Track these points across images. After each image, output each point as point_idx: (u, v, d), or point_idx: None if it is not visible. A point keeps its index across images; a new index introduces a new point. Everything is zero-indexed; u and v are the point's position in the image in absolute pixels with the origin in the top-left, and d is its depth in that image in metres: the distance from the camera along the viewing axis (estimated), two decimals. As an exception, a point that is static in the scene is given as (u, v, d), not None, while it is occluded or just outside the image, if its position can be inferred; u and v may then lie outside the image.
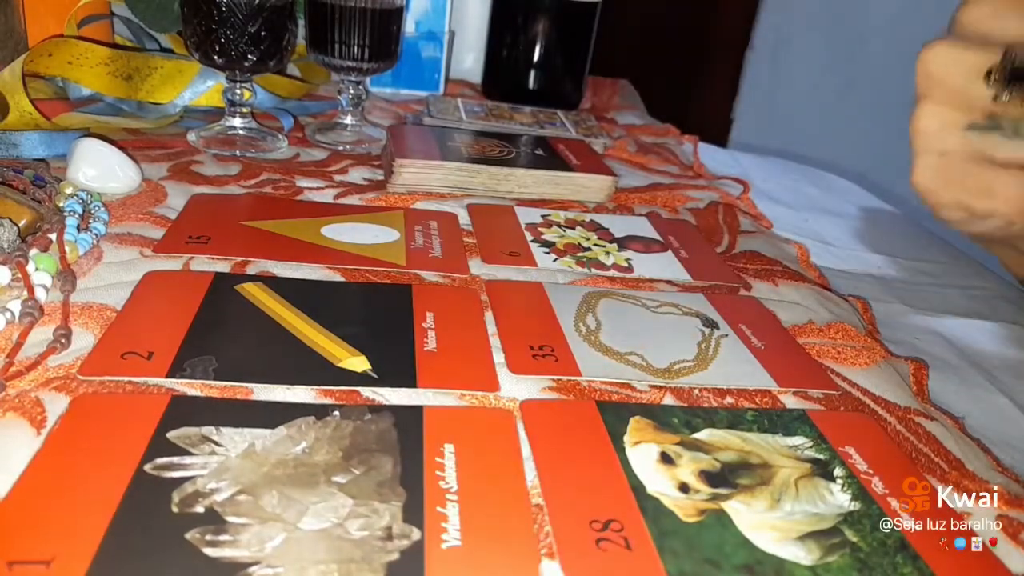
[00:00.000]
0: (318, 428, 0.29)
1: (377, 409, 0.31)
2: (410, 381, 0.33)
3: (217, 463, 0.27)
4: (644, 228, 0.54)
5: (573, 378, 0.35)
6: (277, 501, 0.26)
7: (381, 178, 0.57)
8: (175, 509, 0.25)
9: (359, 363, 0.34)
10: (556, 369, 0.35)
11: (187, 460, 0.27)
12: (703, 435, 0.32)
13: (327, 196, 0.52)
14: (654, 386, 0.35)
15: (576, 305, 0.41)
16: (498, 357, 0.36)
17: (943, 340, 0.46)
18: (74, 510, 0.24)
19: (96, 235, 0.41)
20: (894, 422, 0.35)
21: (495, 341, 0.37)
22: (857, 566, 0.27)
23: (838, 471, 0.31)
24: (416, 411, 0.31)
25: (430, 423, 0.31)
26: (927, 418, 0.36)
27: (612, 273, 0.46)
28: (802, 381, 0.37)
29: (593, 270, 0.46)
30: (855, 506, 0.29)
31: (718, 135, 1.68)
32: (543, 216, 0.53)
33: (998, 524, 0.29)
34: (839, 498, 0.30)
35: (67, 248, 0.38)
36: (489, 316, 0.39)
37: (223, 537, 0.24)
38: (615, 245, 0.50)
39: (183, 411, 0.29)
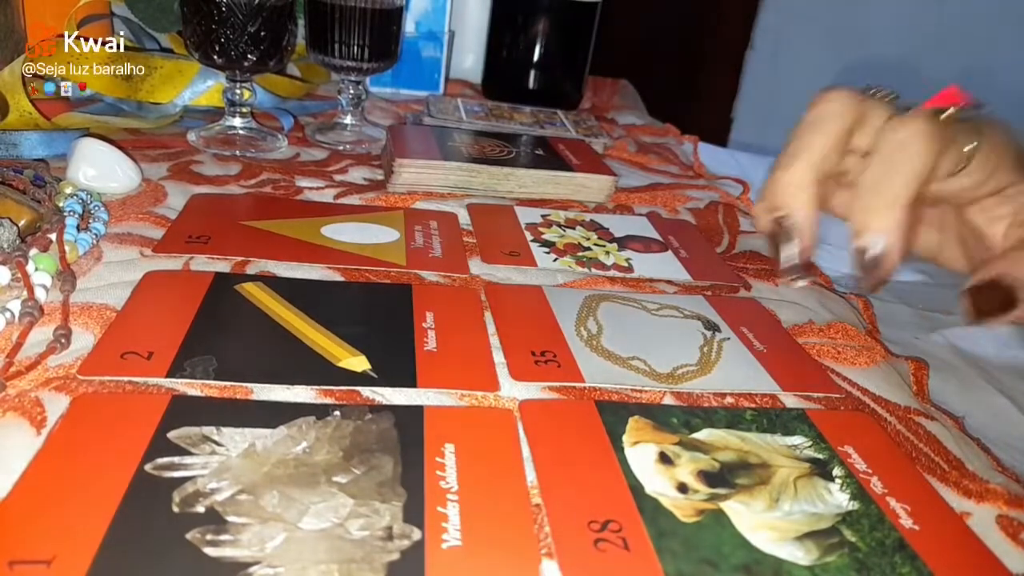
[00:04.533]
0: (318, 428, 0.29)
1: (377, 409, 0.31)
2: (410, 381, 0.33)
3: (218, 463, 0.27)
4: (644, 228, 0.54)
5: (576, 384, 0.35)
6: (278, 501, 0.26)
7: (381, 178, 0.57)
8: (176, 509, 0.25)
9: (359, 363, 0.34)
10: (559, 375, 0.35)
11: (187, 460, 0.27)
12: (702, 435, 0.32)
13: (327, 196, 0.52)
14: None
15: (576, 309, 0.41)
16: (498, 357, 0.36)
17: (943, 340, 0.46)
18: (74, 510, 0.24)
19: (96, 235, 0.41)
20: (894, 422, 0.35)
21: (495, 342, 0.37)
22: (855, 566, 0.27)
23: (837, 471, 0.31)
24: (416, 411, 0.31)
25: (430, 423, 0.31)
26: (927, 418, 0.36)
27: (612, 273, 0.46)
28: (805, 385, 0.37)
29: (593, 270, 0.46)
30: (854, 506, 0.29)
31: (718, 135, 1.68)
32: (543, 216, 0.53)
33: (998, 524, 0.29)
34: (838, 498, 0.30)
35: (67, 248, 0.38)
36: (489, 316, 0.39)
37: (224, 537, 0.24)
38: (615, 245, 0.50)
39: (183, 411, 0.29)
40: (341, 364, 0.34)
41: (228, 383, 0.31)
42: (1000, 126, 0.34)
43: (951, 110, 0.33)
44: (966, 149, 0.33)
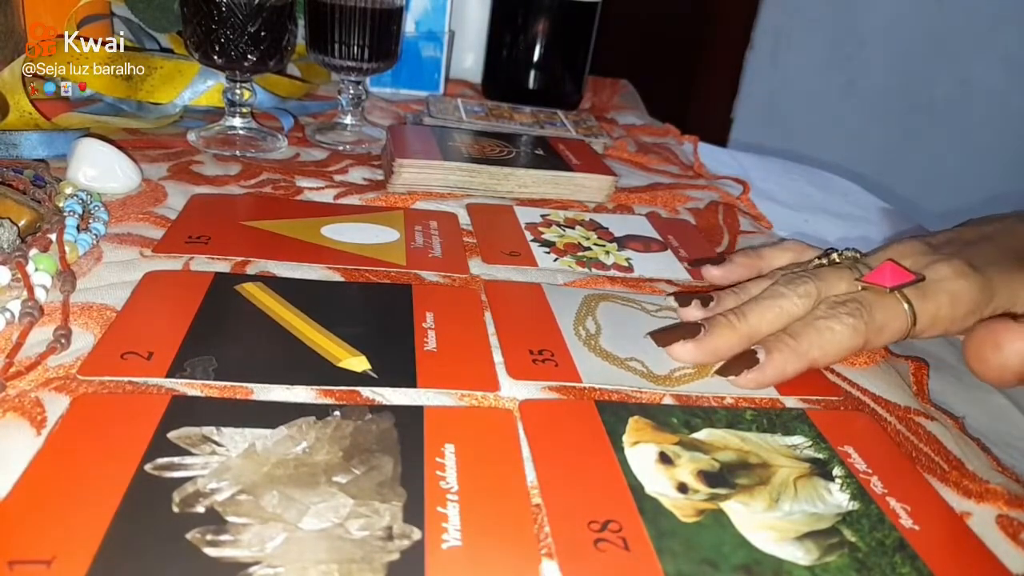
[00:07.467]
0: (318, 428, 0.29)
1: (378, 409, 0.31)
2: (410, 381, 0.33)
3: (218, 463, 0.27)
4: (644, 228, 0.54)
5: (574, 384, 0.35)
6: (278, 501, 0.26)
7: (381, 178, 0.57)
8: (176, 509, 0.25)
9: (359, 363, 0.34)
10: (556, 374, 0.35)
11: (188, 460, 0.27)
12: (702, 435, 0.32)
13: (327, 196, 0.52)
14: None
15: (575, 308, 0.41)
16: (498, 357, 0.36)
17: (943, 340, 0.46)
18: (74, 510, 0.24)
19: (96, 235, 0.41)
20: (894, 422, 0.35)
21: (495, 342, 0.37)
22: (855, 566, 0.27)
23: (837, 471, 0.31)
24: (416, 411, 0.31)
25: (430, 423, 0.31)
26: (927, 418, 0.36)
27: (612, 273, 0.46)
28: (804, 387, 0.37)
29: (593, 270, 0.46)
30: (854, 506, 0.29)
31: (718, 135, 1.68)
32: (543, 216, 0.53)
33: (998, 524, 0.29)
34: (838, 498, 0.30)
35: (67, 248, 0.38)
36: (489, 316, 0.39)
37: (224, 537, 0.24)
38: (615, 245, 0.50)
39: (183, 411, 0.29)
40: (341, 364, 0.34)
41: (228, 383, 0.31)
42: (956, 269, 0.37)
43: (888, 290, 0.37)
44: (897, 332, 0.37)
